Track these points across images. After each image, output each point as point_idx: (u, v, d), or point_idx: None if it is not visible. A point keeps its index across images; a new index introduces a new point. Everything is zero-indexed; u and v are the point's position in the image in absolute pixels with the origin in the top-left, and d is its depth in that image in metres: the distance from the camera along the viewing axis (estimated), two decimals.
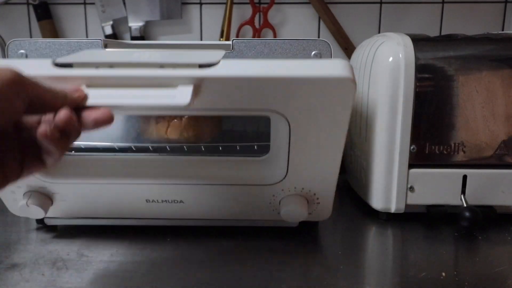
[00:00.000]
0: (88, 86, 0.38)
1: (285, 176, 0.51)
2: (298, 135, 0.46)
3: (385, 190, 0.61)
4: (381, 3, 0.89)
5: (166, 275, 0.48)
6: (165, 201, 0.55)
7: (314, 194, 0.53)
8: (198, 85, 0.39)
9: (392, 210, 0.61)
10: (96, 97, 0.36)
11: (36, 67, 0.40)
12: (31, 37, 0.91)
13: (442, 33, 0.90)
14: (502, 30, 0.89)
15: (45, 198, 0.54)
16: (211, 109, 0.46)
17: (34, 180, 0.52)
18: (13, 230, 0.59)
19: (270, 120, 0.49)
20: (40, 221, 0.60)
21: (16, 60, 0.48)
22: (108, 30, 0.90)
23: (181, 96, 0.37)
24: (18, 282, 0.46)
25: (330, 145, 0.47)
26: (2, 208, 0.67)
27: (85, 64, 0.40)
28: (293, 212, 0.52)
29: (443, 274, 0.48)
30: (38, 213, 0.54)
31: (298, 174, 0.50)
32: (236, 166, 0.54)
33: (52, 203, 0.55)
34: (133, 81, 0.39)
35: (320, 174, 0.50)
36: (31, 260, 0.51)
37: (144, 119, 0.58)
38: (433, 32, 0.89)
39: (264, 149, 0.54)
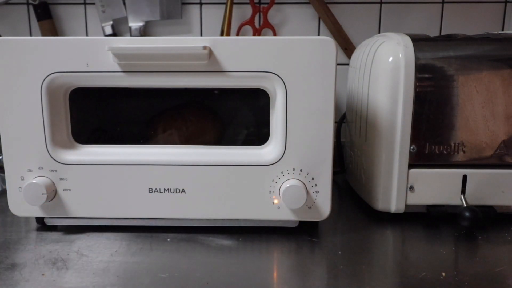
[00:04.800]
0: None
1: (284, 153, 0.54)
2: (293, 101, 0.53)
3: (385, 190, 0.61)
4: (381, 3, 0.89)
5: (166, 275, 0.48)
6: (167, 190, 0.56)
7: (313, 178, 0.55)
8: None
9: (392, 210, 0.61)
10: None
11: None
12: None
13: (442, 33, 0.90)
14: (502, 30, 0.89)
15: (51, 184, 0.56)
16: (222, 72, 0.53)
17: (47, 161, 0.56)
18: (13, 230, 0.59)
19: (269, 98, 0.55)
20: (40, 221, 0.60)
21: None
22: (108, 30, 0.90)
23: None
24: (18, 282, 0.46)
25: (322, 114, 0.53)
26: (2, 208, 0.67)
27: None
28: (293, 191, 0.54)
29: (443, 274, 0.48)
30: (40, 198, 0.55)
31: (295, 152, 0.54)
32: (237, 153, 0.57)
33: (55, 194, 0.56)
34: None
35: (315, 154, 0.54)
36: (31, 260, 0.51)
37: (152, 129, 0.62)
38: (433, 32, 0.89)
39: (264, 140, 0.57)
